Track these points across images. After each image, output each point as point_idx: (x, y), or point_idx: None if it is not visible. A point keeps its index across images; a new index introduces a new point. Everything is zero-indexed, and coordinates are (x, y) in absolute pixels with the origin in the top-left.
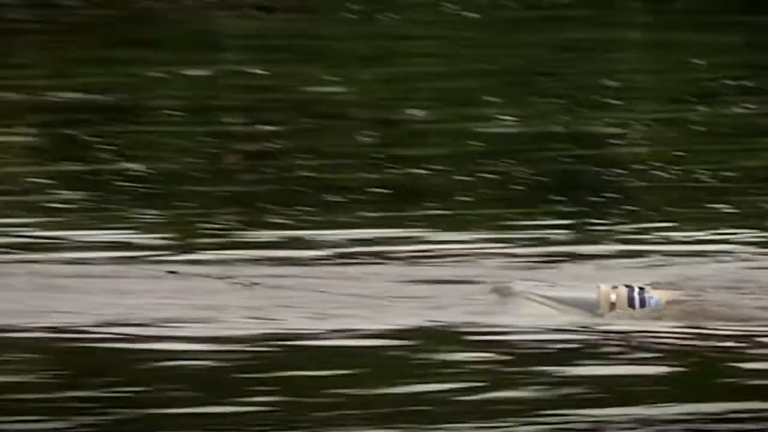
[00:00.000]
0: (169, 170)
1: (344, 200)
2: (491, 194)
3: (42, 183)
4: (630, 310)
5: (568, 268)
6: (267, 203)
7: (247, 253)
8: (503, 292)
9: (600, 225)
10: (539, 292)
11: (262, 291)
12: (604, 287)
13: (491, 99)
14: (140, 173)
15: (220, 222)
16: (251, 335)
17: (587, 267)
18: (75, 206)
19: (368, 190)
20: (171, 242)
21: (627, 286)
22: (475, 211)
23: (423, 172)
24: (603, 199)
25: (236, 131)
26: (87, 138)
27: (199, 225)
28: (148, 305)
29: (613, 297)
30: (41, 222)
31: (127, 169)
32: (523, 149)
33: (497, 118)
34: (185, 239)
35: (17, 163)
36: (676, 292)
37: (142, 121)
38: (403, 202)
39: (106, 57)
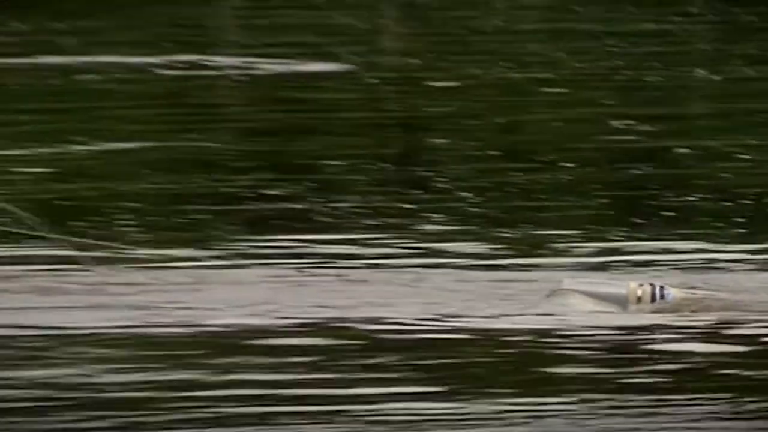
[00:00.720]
0: None
1: None
2: None
3: None
4: (652, 304)
5: None
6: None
7: None
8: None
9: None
10: (579, 287)
11: None
12: (633, 284)
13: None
14: None
15: None
16: None
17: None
18: None
19: None
20: None
21: (650, 284)
22: None
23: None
24: None
25: None
26: None
27: None
28: None
29: (639, 292)
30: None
31: None
32: None
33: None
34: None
35: None
36: (689, 289)
37: None
38: None
39: None
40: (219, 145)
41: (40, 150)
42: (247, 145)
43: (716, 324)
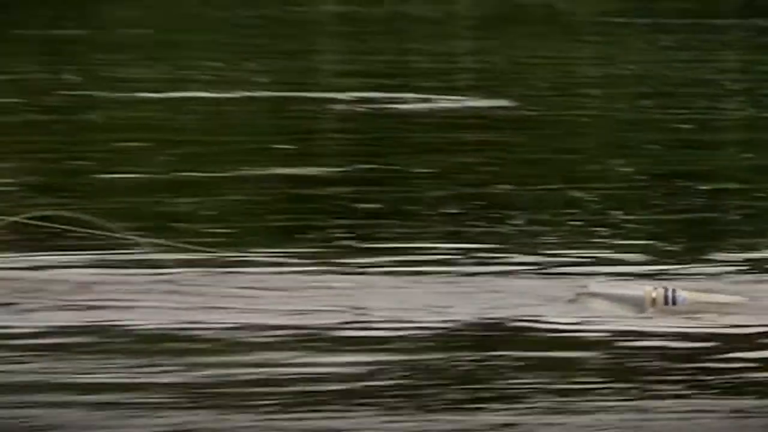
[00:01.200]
0: None
1: None
2: None
3: None
4: (665, 306)
5: None
6: None
7: None
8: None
9: None
10: (599, 290)
11: None
12: (648, 287)
13: None
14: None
15: None
16: None
17: None
18: None
19: None
20: None
21: (664, 288)
22: None
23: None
24: None
25: None
26: None
27: None
28: None
29: (654, 294)
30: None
31: None
32: None
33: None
34: None
35: None
36: (700, 293)
37: None
38: None
39: None
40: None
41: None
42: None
43: None
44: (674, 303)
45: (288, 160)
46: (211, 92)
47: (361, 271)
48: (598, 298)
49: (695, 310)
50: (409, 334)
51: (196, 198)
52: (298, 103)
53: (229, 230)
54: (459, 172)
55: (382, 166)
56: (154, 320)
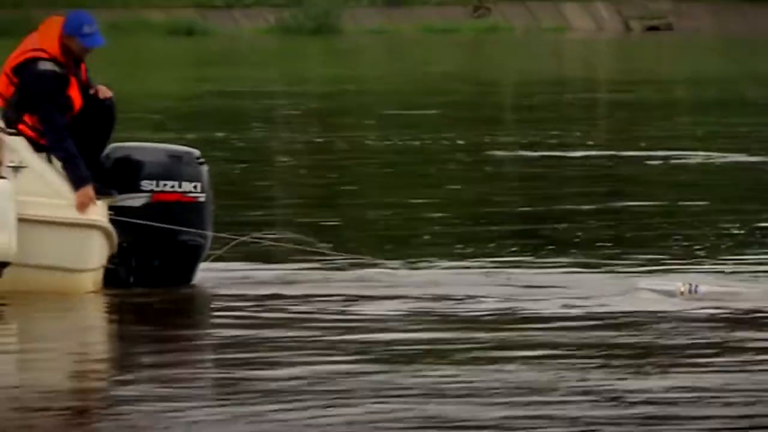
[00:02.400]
0: None
1: None
2: None
3: None
4: (689, 295)
5: None
6: None
7: None
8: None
9: None
10: (644, 286)
11: None
12: (679, 283)
13: None
14: None
15: None
16: None
17: None
18: None
19: None
20: None
21: (689, 284)
22: None
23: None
24: None
25: None
26: None
27: None
28: None
29: (683, 289)
30: None
31: None
32: None
33: None
34: None
35: None
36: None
37: None
38: None
39: None
40: None
41: None
42: None
43: None
44: (695, 293)
45: None
46: None
47: None
48: (645, 292)
49: (714, 298)
50: None
51: None
52: None
53: None
54: None
55: None
56: None
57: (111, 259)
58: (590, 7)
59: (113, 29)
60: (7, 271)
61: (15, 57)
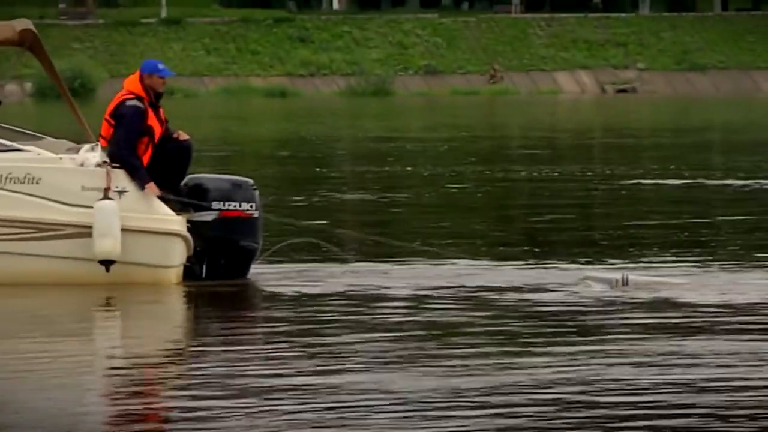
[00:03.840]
0: None
1: None
2: None
3: None
4: (623, 286)
5: None
6: None
7: None
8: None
9: None
10: (593, 276)
11: None
12: (617, 274)
13: None
14: None
15: None
16: None
17: None
18: None
19: None
20: None
21: (625, 275)
22: None
23: None
24: None
25: None
26: None
27: None
28: None
29: (619, 278)
30: None
31: None
32: None
33: None
34: None
35: None
36: (644, 278)
37: None
38: None
39: None
40: None
41: None
42: None
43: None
44: (627, 284)
45: None
46: None
47: None
48: (591, 282)
49: (645, 287)
50: None
51: None
52: None
53: None
54: None
55: None
56: None
57: (189, 259)
58: (575, 75)
59: (226, 92)
60: (113, 267)
61: (111, 104)
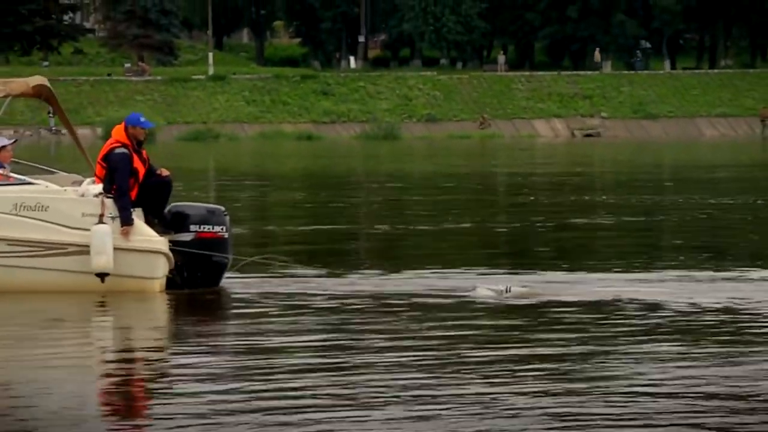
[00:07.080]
0: None
1: None
2: None
3: None
4: (506, 294)
5: None
6: None
7: None
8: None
9: None
10: (484, 286)
11: None
12: (501, 286)
13: None
14: None
15: None
16: None
17: None
18: None
19: None
20: None
21: (508, 286)
22: None
23: None
24: None
25: None
26: None
27: None
28: None
29: (502, 288)
30: None
31: None
32: None
33: None
34: None
35: None
36: (523, 288)
37: None
38: None
39: None
40: None
41: None
42: None
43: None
44: (509, 292)
45: None
46: None
47: None
48: (482, 290)
49: (523, 295)
50: None
51: None
52: None
53: None
54: None
55: None
56: None
57: (170, 271)
58: (550, 122)
59: (262, 136)
60: (108, 278)
61: (102, 150)
